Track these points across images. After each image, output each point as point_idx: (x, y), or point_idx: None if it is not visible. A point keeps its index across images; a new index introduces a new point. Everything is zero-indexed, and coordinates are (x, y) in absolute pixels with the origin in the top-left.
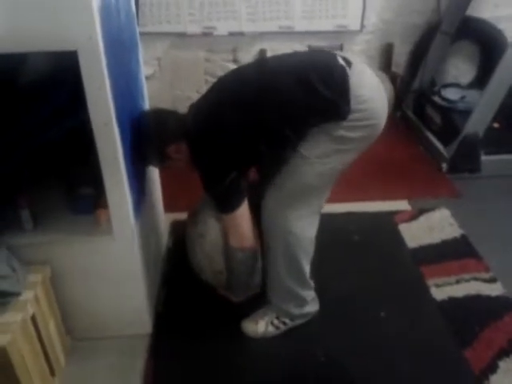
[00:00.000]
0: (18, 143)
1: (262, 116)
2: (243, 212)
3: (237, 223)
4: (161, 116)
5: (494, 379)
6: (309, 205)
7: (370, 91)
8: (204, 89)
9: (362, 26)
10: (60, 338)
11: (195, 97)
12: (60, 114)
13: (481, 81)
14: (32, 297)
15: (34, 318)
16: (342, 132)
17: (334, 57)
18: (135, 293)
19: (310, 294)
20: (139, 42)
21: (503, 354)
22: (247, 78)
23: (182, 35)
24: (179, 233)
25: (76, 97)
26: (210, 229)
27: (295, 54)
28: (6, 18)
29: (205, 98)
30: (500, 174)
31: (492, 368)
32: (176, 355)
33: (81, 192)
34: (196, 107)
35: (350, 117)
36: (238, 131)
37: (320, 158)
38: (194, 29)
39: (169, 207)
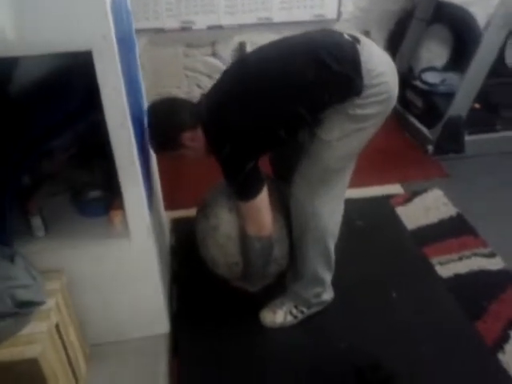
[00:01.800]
0: (30, 149)
1: (277, 100)
2: (263, 199)
3: (256, 211)
4: (174, 104)
5: (508, 348)
6: (333, 188)
7: (382, 65)
8: (185, 84)
9: (339, 14)
10: (80, 345)
11: (175, 92)
12: (72, 118)
13: (455, 63)
14: (54, 305)
15: (57, 327)
16: (358, 111)
17: (341, 34)
18: (152, 292)
19: (329, 280)
20: (135, 38)
21: None
22: (259, 65)
23: (160, 31)
24: (180, 230)
25: (88, 100)
26: (223, 221)
27: (303, 35)
28: (20, 21)
29: (218, 87)
30: (483, 152)
31: (504, 338)
32: (198, 353)
33: (89, 195)
34: (210, 97)
35: (364, 93)
36: (256, 118)
37: (340, 139)
38: (172, 24)
39: (167, 205)
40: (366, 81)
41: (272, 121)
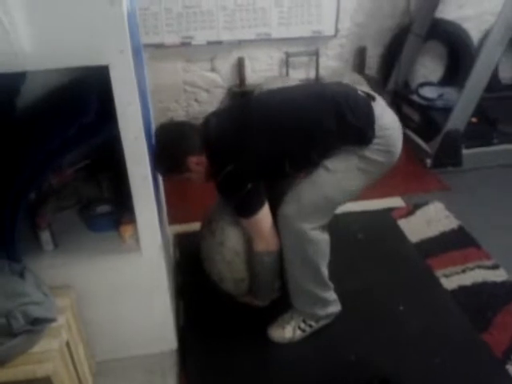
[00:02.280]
0: (44, 163)
1: (291, 142)
2: (265, 215)
3: (260, 227)
4: (182, 129)
5: None
6: (323, 217)
7: (391, 122)
8: (183, 98)
9: (337, 30)
10: (87, 361)
11: (174, 107)
12: (87, 132)
13: (450, 78)
14: (64, 322)
15: (68, 344)
16: (366, 153)
17: (356, 89)
18: (161, 308)
19: (331, 295)
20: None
21: None
22: (278, 105)
23: (160, 46)
24: (184, 244)
25: (102, 114)
26: (229, 236)
27: (321, 85)
28: (39, 35)
29: (229, 115)
30: (480, 165)
31: None
32: (205, 368)
33: (98, 210)
34: (217, 123)
35: (374, 141)
36: (265, 154)
37: (344, 172)
38: (172, 39)
39: (169, 219)
40: (377, 132)
41: (280, 158)
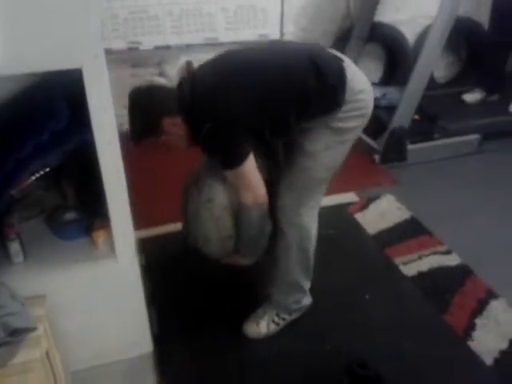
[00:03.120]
0: (15, 172)
1: (272, 99)
2: (250, 166)
3: (246, 178)
4: (153, 89)
5: (475, 335)
6: (314, 196)
7: (362, 84)
8: None
9: (282, 34)
10: (64, 371)
11: (122, 113)
12: (58, 138)
13: (389, 77)
14: (43, 331)
15: (47, 353)
16: (340, 124)
17: (329, 51)
18: (136, 311)
19: (308, 284)
20: None
21: (476, 312)
22: (258, 58)
23: (106, 52)
24: (149, 250)
25: (72, 119)
26: (218, 192)
27: (298, 44)
28: (12, 39)
29: (205, 72)
30: (424, 159)
31: (471, 326)
32: (184, 371)
33: (64, 218)
34: (192, 84)
35: (345, 108)
36: (246, 110)
37: (324, 150)
38: (118, 45)
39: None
40: (349, 97)
41: (259, 117)
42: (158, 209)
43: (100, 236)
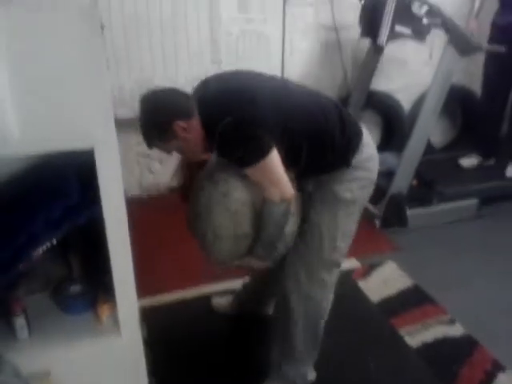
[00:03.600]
0: (26, 246)
1: (296, 120)
2: (274, 158)
3: (271, 172)
4: (167, 92)
5: None
6: (331, 267)
7: (373, 151)
8: (137, 170)
9: None
10: None
11: (128, 180)
12: (70, 214)
13: (386, 143)
14: None
15: None
16: (347, 194)
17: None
18: None
19: (316, 355)
20: None
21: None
22: (286, 87)
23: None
24: (152, 319)
25: (83, 194)
26: (235, 186)
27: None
28: (27, 121)
29: (234, 84)
30: (423, 224)
31: None
32: None
33: (70, 291)
34: (223, 79)
35: (356, 173)
36: (269, 118)
37: (334, 227)
38: (125, 114)
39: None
40: (358, 162)
41: (282, 135)
42: (160, 276)
43: (104, 311)
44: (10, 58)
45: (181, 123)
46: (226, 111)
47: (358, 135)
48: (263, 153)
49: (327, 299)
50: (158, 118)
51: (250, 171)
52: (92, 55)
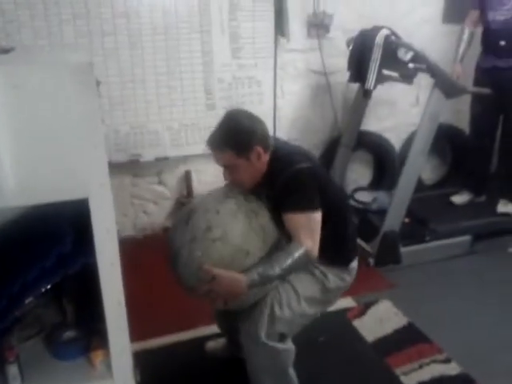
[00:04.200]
0: (21, 294)
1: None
2: (319, 218)
3: (313, 227)
4: (258, 117)
5: None
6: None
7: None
8: (131, 211)
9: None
10: None
11: (121, 221)
12: (63, 262)
13: (378, 181)
14: None
15: None
16: (331, 284)
17: None
18: None
19: None
20: None
21: None
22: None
23: (108, 164)
24: (145, 364)
25: (76, 242)
26: (232, 228)
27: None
28: (22, 173)
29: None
30: (417, 262)
31: None
32: None
33: (64, 337)
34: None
35: (346, 278)
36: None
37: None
38: (120, 157)
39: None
40: (352, 267)
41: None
42: (154, 319)
43: (98, 356)
44: (7, 112)
45: (260, 150)
46: (300, 160)
47: (356, 246)
48: (315, 206)
49: (286, 350)
50: (246, 132)
51: (295, 217)
52: (87, 111)
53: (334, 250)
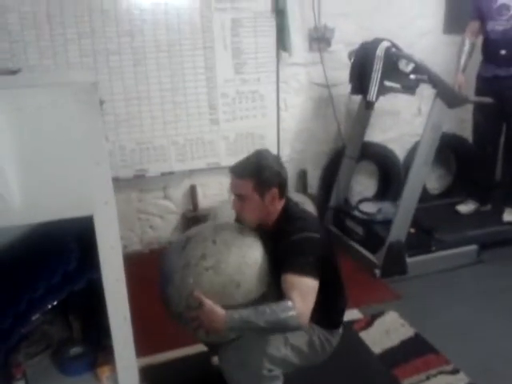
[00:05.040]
0: (27, 312)
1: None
2: (316, 287)
3: (309, 293)
4: (282, 165)
5: None
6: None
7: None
8: (137, 226)
9: (279, 157)
10: None
11: (128, 235)
12: (69, 279)
13: (383, 192)
14: None
15: None
16: (317, 340)
17: None
18: None
19: None
20: None
21: None
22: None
23: (114, 180)
24: (152, 379)
25: (81, 259)
26: (226, 259)
27: None
28: (28, 193)
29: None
30: (423, 272)
31: None
32: None
33: (71, 353)
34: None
35: (332, 340)
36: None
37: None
38: (126, 173)
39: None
40: (338, 333)
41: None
42: (160, 333)
43: (104, 372)
44: (13, 133)
45: (276, 194)
46: (308, 228)
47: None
48: (315, 274)
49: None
50: (270, 171)
51: (294, 278)
52: (91, 130)
53: (327, 312)
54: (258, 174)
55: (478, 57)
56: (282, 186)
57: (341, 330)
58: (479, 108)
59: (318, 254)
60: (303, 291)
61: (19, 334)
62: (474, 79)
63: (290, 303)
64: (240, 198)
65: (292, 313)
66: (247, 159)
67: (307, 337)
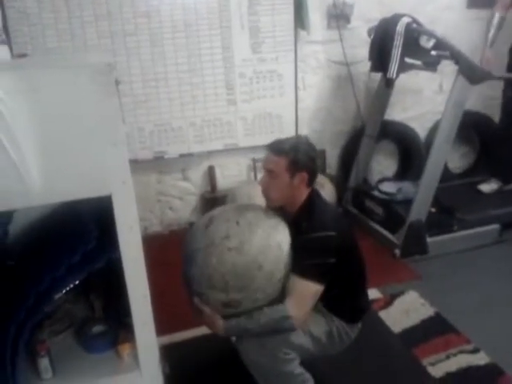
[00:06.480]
0: (49, 291)
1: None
2: (317, 293)
3: (310, 297)
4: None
5: None
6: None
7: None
8: (157, 208)
9: (297, 136)
10: None
11: (148, 217)
12: (89, 258)
13: (403, 172)
14: None
15: None
16: (335, 330)
17: None
18: None
19: None
20: None
21: None
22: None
23: (133, 162)
24: (174, 357)
25: (100, 238)
26: (249, 240)
27: None
28: (48, 172)
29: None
30: (444, 252)
31: None
32: None
33: (93, 331)
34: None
35: (350, 333)
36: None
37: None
38: (145, 155)
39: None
40: (358, 327)
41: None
42: (180, 312)
43: (125, 349)
44: (30, 115)
45: (305, 179)
46: (330, 226)
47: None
48: (321, 280)
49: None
50: (307, 156)
51: (298, 280)
52: (107, 111)
53: (349, 307)
54: (293, 153)
55: (509, 31)
56: (313, 174)
57: (360, 325)
58: (510, 85)
59: (331, 258)
60: (302, 294)
61: (43, 313)
62: (504, 56)
63: (284, 307)
64: (270, 174)
65: (284, 315)
66: (286, 139)
67: (327, 328)
